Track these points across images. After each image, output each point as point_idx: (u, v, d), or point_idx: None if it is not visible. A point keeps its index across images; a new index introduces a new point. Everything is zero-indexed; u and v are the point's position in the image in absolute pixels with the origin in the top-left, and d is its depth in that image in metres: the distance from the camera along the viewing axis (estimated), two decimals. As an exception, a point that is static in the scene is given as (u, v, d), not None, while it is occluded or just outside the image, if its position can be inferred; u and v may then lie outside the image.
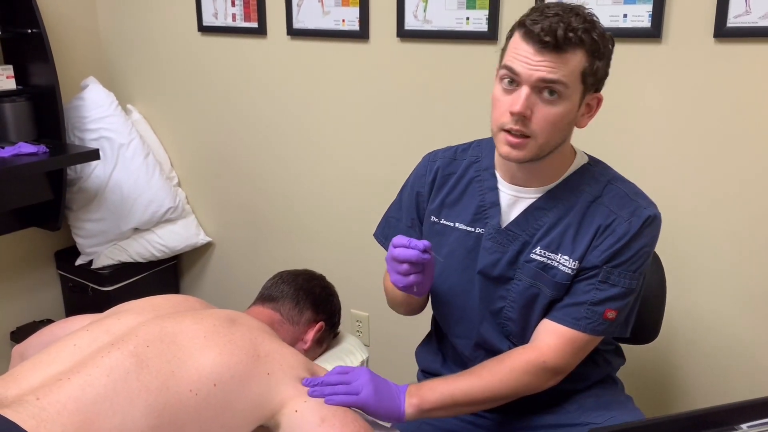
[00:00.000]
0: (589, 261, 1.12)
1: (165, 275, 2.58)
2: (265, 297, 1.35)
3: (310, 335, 1.34)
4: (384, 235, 1.38)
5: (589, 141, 1.28)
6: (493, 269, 1.19)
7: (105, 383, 0.92)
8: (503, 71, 1.07)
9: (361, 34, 1.93)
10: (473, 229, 1.21)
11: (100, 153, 2.23)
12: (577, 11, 1.04)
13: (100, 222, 2.40)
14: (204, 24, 2.26)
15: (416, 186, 1.30)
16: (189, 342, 1.02)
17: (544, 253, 1.15)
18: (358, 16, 1.92)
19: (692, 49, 1.49)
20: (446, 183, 1.26)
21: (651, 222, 1.11)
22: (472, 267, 1.21)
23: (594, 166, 1.19)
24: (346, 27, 1.96)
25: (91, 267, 2.44)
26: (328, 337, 1.43)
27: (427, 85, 1.88)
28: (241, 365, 1.01)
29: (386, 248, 1.29)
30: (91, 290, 2.45)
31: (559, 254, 1.14)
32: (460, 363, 1.30)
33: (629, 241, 1.10)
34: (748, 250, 1.52)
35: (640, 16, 1.52)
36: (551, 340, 1.13)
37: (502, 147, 1.09)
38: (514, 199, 1.18)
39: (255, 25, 2.15)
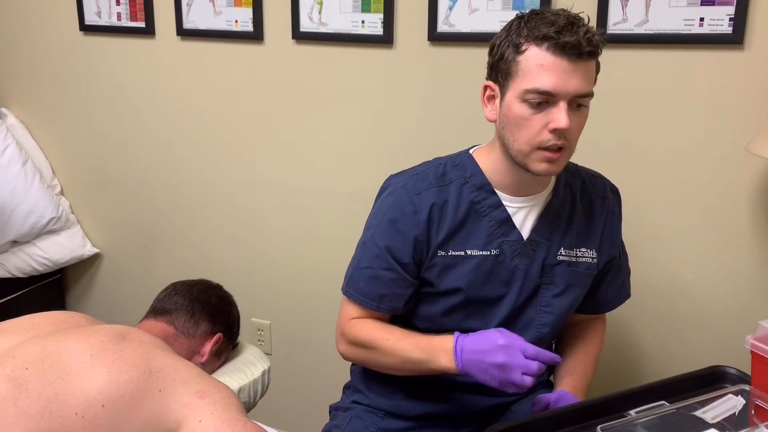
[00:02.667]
0: (611, 252, 1.25)
1: (48, 291, 2.43)
2: (158, 310, 1.29)
3: (208, 348, 1.29)
4: (368, 295, 1.21)
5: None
6: (525, 283, 1.19)
7: (-23, 412, 0.84)
8: (532, 94, 1.03)
9: (255, 35, 1.89)
10: (489, 252, 1.17)
11: (-29, 160, 2.07)
12: (576, 15, 1.05)
13: (-27, 235, 2.22)
14: (86, 23, 2.15)
15: (409, 227, 1.17)
16: (74, 361, 0.95)
17: (567, 253, 1.20)
18: (251, 16, 1.88)
19: None
20: (445, 214, 1.17)
21: (618, 190, 1.29)
22: (496, 289, 1.19)
23: None
24: (239, 28, 1.91)
25: (-36, 284, 2.26)
26: (227, 349, 1.39)
27: (324, 88, 1.86)
28: (132, 383, 0.95)
29: (371, 307, 1.21)
30: (-37, 310, 2.27)
31: (577, 249, 1.20)
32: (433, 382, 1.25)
33: (621, 214, 1.28)
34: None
35: (720, 20, 1.44)
36: (602, 322, 1.36)
37: (539, 165, 1.08)
38: (524, 211, 1.18)
39: (142, 24, 2.06)
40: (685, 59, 1.47)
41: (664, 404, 0.98)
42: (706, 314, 1.58)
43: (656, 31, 1.47)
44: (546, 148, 1.06)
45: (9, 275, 2.28)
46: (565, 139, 1.06)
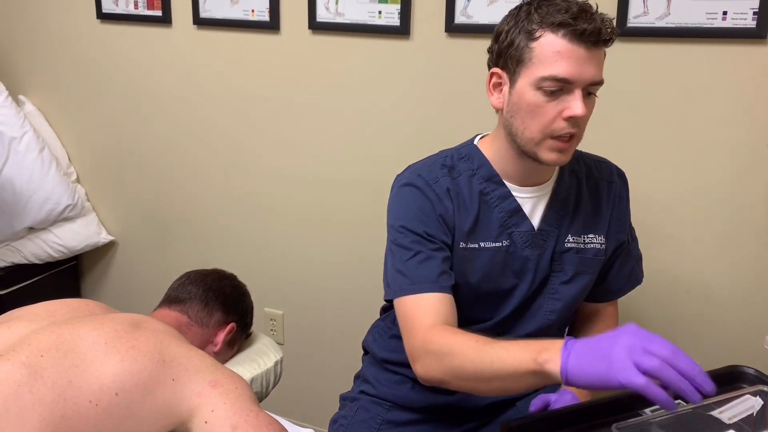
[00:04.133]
0: (619, 237, 1.24)
1: (63, 277, 2.44)
2: (172, 299, 1.29)
3: (221, 337, 1.29)
4: (430, 278, 1.08)
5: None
6: (537, 273, 1.18)
7: (-8, 398, 0.85)
8: (549, 82, 1.01)
9: (272, 25, 1.88)
10: (500, 244, 1.16)
11: (-11, 147, 2.08)
12: (584, 1, 1.03)
13: (-10, 221, 2.24)
14: (104, 11, 2.15)
15: (433, 212, 1.12)
16: (88, 349, 0.95)
17: (575, 239, 1.19)
18: (268, 6, 1.87)
19: None
20: (462, 203, 1.15)
21: (624, 174, 1.27)
22: (508, 280, 1.18)
23: None
24: (255, 17, 1.90)
25: (-20, 270, 2.28)
26: (240, 339, 1.39)
27: (340, 79, 1.85)
28: (145, 372, 0.95)
29: (438, 288, 1.07)
30: (-20, 295, 2.29)
31: (585, 235, 1.19)
32: None
33: (628, 199, 1.26)
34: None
35: (743, 14, 1.41)
36: (614, 310, 1.34)
37: (550, 154, 1.06)
38: (533, 201, 1.17)
39: (159, 13, 2.05)
40: (708, 53, 1.45)
41: (679, 403, 0.97)
42: (724, 313, 1.56)
43: (678, 25, 1.45)
44: (558, 137, 1.05)
45: (25, 261, 2.30)
46: (577, 127, 1.05)
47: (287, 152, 1.99)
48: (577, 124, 1.05)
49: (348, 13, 1.78)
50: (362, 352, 1.43)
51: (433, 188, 1.14)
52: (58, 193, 2.26)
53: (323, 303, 2.06)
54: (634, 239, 1.30)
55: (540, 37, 1.02)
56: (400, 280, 1.10)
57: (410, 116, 1.79)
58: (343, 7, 1.78)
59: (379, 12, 1.74)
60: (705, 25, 1.42)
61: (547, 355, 0.87)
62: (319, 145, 1.94)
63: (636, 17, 1.47)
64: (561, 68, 1.00)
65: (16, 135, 2.21)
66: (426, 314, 1.06)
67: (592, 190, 1.22)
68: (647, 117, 1.54)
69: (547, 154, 1.07)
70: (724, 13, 1.41)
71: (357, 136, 1.88)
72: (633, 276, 1.30)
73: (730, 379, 1.07)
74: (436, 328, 1.03)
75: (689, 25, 1.44)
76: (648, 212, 1.55)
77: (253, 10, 1.90)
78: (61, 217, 2.29)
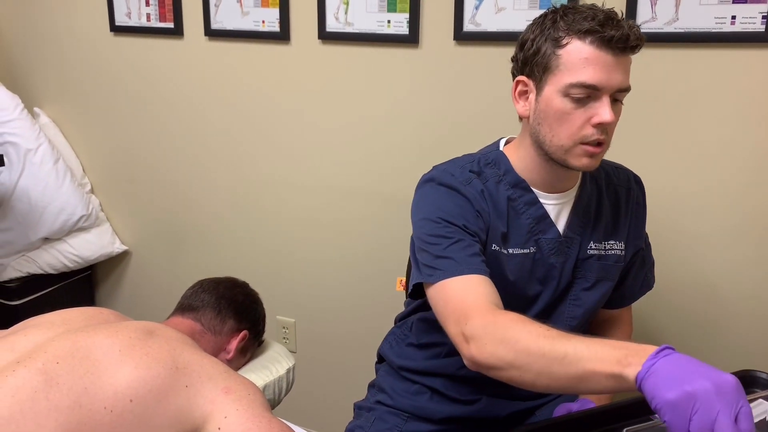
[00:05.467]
0: (637, 244, 1.25)
1: (78, 287, 2.47)
2: (185, 306, 1.30)
3: (233, 345, 1.30)
4: (468, 263, 1.03)
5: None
6: (562, 280, 1.18)
7: (10, 405, 0.86)
8: (577, 88, 1.01)
9: (282, 35, 1.90)
10: (528, 250, 1.15)
11: (5, 159, 2.11)
12: (609, 9, 1.03)
13: (7, 232, 2.27)
14: (117, 24, 2.18)
15: (472, 208, 1.10)
16: (103, 356, 0.97)
17: (597, 246, 1.19)
18: (278, 17, 1.90)
19: None
20: (495, 208, 1.13)
21: (641, 180, 1.28)
22: (533, 287, 1.18)
23: None
24: (266, 28, 1.93)
25: (-3, 280, 2.31)
26: (253, 346, 1.40)
27: (349, 88, 1.87)
28: (159, 379, 0.96)
29: (476, 270, 1.02)
30: (-4, 305, 2.32)
31: (605, 242, 1.20)
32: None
33: (645, 206, 1.27)
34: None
35: (752, 18, 1.40)
36: (629, 316, 1.35)
37: (581, 160, 1.06)
38: (558, 207, 1.17)
39: (171, 25, 2.08)
40: (716, 58, 1.45)
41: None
42: (737, 317, 1.55)
43: (686, 30, 1.45)
44: (588, 143, 1.04)
45: (41, 271, 2.32)
46: (606, 134, 1.05)
47: (299, 161, 2.01)
48: (606, 130, 1.04)
49: (357, 22, 1.79)
50: (375, 359, 1.43)
51: (467, 188, 1.12)
52: (73, 204, 2.28)
53: (335, 311, 2.07)
54: (648, 245, 1.30)
55: (567, 44, 1.02)
56: (445, 263, 1.04)
57: (420, 124, 1.80)
58: (352, 17, 1.80)
59: (388, 21, 1.75)
60: (714, 30, 1.42)
61: (634, 359, 0.78)
62: (330, 153, 1.95)
63: (644, 23, 1.48)
64: (589, 75, 1.00)
65: (32, 147, 2.25)
66: (481, 294, 1.00)
67: (611, 196, 1.22)
68: (657, 122, 1.54)
69: (577, 160, 1.06)
70: (733, 17, 1.41)
71: (368, 144, 1.89)
72: (646, 282, 1.31)
73: (742, 384, 1.06)
74: (500, 310, 0.97)
75: (698, 30, 1.44)
76: (658, 216, 1.55)
77: (263, 21, 1.92)
78: (76, 228, 2.32)
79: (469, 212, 1.09)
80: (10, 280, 2.29)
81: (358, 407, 1.37)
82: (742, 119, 1.46)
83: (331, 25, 1.83)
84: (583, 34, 1.00)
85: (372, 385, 1.39)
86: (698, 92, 1.49)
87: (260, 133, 2.05)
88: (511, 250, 1.14)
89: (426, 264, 1.06)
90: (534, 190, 1.15)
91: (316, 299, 2.10)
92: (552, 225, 1.16)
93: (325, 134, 1.94)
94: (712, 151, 1.50)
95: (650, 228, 1.31)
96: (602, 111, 1.02)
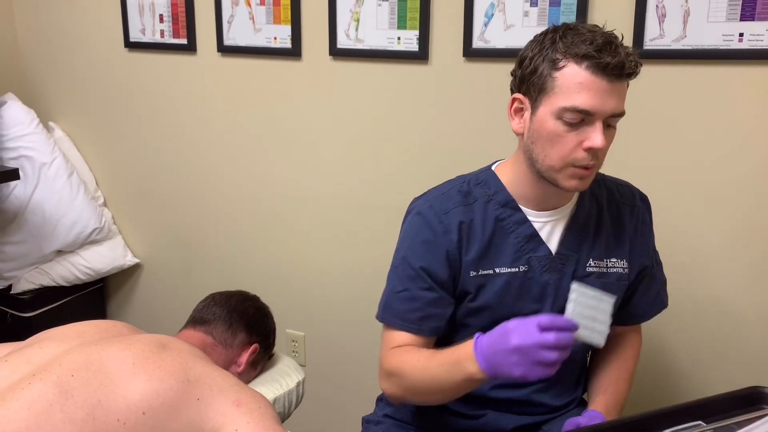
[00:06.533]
0: (642, 262, 1.23)
1: (90, 299, 2.49)
2: (197, 320, 1.32)
3: (244, 358, 1.31)
4: (407, 318, 1.17)
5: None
6: (558, 297, 1.17)
7: (26, 417, 0.87)
8: (570, 112, 1.02)
9: (294, 52, 1.93)
10: (517, 269, 1.16)
11: (20, 172, 2.14)
12: (612, 32, 1.04)
13: (21, 245, 2.29)
14: (131, 40, 2.21)
15: (438, 246, 1.15)
16: (117, 369, 0.98)
17: (597, 264, 1.19)
18: (290, 33, 1.92)
19: None
20: (473, 232, 1.16)
21: (647, 198, 1.27)
22: (527, 305, 1.18)
23: None
24: (278, 44, 1.95)
25: (10, 292, 2.33)
26: (263, 359, 1.41)
27: (360, 104, 1.89)
28: (171, 391, 0.97)
29: (412, 330, 1.16)
30: (9, 317, 2.33)
31: (607, 260, 1.19)
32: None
33: (652, 223, 1.26)
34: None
35: (760, 36, 1.40)
36: (638, 334, 1.34)
37: (570, 182, 1.07)
38: (551, 225, 1.17)
39: (184, 41, 2.11)
40: (724, 75, 1.46)
41: (701, 424, 0.97)
42: (746, 333, 1.55)
43: (694, 47, 1.46)
44: (578, 166, 1.06)
45: (53, 284, 2.34)
46: (596, 158, 1.06)
47: (309, 175, 2.02)
48: (596, 155, 1.06)
49: (368, 39, 1.81)
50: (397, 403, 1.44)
51: (441, 220, 1.16)
52: (86, 217, 2.31)
53: (345, 325, 2.08)
54: (659, 263, 1.29)
55: (564, 67, 1.02)
56: (389, 309, 1.19)
57: (429, 140, 1.81)
58: (363, 34, 1.82)
59: (398, 38, 1.77)
60: (721, 47, 1.43)
61: (469, 365, 1.02)
62: (340, 167, 1.97)
63: (652, 40, 1.49)
64: (583, 100, 1.01)
65: (46, 160, 2.28)
66: (393, 344, 1.18)
67: (613, 213, 1.22)
68: (665, 139, 1.55)
69: (567, 182, 1.08)
70: (741, 35, 1.42)
71: (377, 159, 1.91)
72: (658, 300, 1.30)
73: (752, 400, 1.06)
74: (392, 350, 1.17)
75: (705, 47, 1.45)
76: (668, 233, 1.55)
77: (275, 38, 1.95)
78: (89, 240, 2.34)
79: (433, 253, 1.16)
80: (24, 292, 2.32)
81: (366, 421, 1.38)
82: (751, 136, 1.46)
83: (342, 42, 1.85)
84: (579, 58, 1.01)
85: (380, 399, 1.40)
86: (706, 109, 1.49)
87: (272, 148, 2.07)
88: (497, 270, 1.16)
89: (384, 298, 1.21)
90: (524, 208, 1.17)
91: (325, 313, 2.11)
92: (542, 243, 1.17)
93: (336, 149, 1.96)
94: (721, 169, 1.51)
95: (659, 245, 1.31)
96: (594, 136, 1.03)
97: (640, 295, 1.27)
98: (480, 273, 1.16)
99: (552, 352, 0.94)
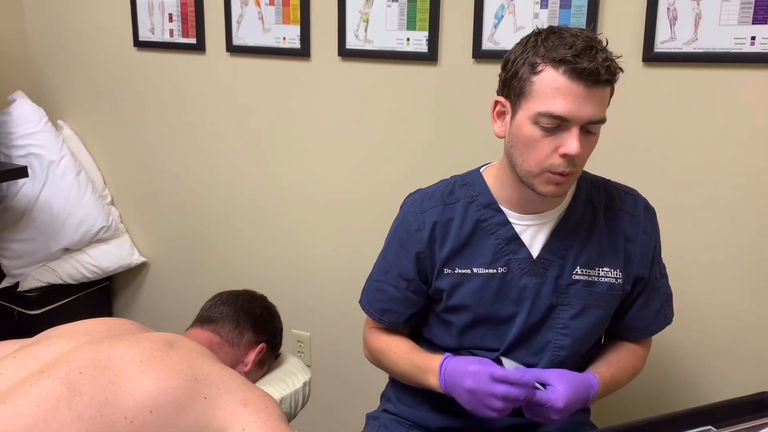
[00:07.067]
0: (640, 272, 1.19)
1: (96, 297, 2.49)
2: (204, 319, 1.32)
3: (251, 357, 1.31)
4: (373, 306, 1.29)
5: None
6: (537, 302, 1.16)
7: (34, 413, 0.87)
8: (546, 119, 1.01)
9: (302, 52, 1.93)
10: (495, 270, 1.16)
11: (29, 170, 2.15)
12: (595, 37, 1.02)
13: (28, 242, 2.30)
14: (140, 39, 2.22)
15: (411, 244, 1.20)
16: (124, 367, 0.98)
17: (585, 272, 1.16)
18: (299, 34, 1.92)
19: None
20: (448, 232, 1.18)
21: (654, 210, 1.23)
22: (506, 307, 1.17)
23: (584, 173, 1.21)
24: (287, 45, 1.95)
25: (17, 289, 2.33)
26: (270, 359, 1.41)
27: (369, 104, 1.89)
28: (179, 390, 0.97)
29: (375, 318, 1.30)
30: (16, 314, 2.34)
31: (598, 268, 1.16)
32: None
33: (656, 234, 1.21)
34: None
35: None
36: (648, 344, 1.29)
37: (546, 187, 1.06)
38: (534, 229, 1.16)
39: (193, 41, 2.12)
40: (736, 78, 1.45)
41: (710, 429, 0.96)
42: (755, 338, 1.54)
43: (705, 50, 1.45)
44: (554, 172, 1.04)
45: (60, 281, 2.35)
46: (573, 166, 1.04)
47: (317, 175, 2.03)
48: (573, 162, 1.04)
49: (377, 40, 1.81)
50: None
51: (417, 218, 1.20)
52: (93, 215, 2.31)
53: (350, 325, 2.07)
54: (663, 276, 1.25)
55: (542, 71, 1.01)
56: (364, 294, 1.33)
57: (438, 141, 1.81)
58: (372, 35, 1.82)
59: (407, 39, 1.77)
60: (733, 50, 1.43)
61: (432, 379, 1.15)
62: (348, 168, 1.97)
63: (663, 43, 1.48)
64: (558, 106, 1.00)
65: (55, 159, 2.28)
66: (369, 324, 1.34)
67: (609, 220, 1.18)
68: (675, 143, 1.54)
69: (543, 187, 1.07)
70: (753, 38, 1.41)
71: (385, 160, 1.90)
72: (660, 316, 1.24)
73: (759, 407, 1.05)
74: (372, 329, 1.32)
75: (717, 51, 1.44)
76: (675, 237, 1.55)
77: (284, 38, 1.95)
78: (96, 239, 2.34)
79: (405, 251, 1.22)
80: (30, 290, 2.32)
81: (368, 417, 1.40)
82: (763, 140, 1.46)
83: (351, 43, 1.85)
84: (557, 63, 1.00)
85: (382, 395, 1.41)
86: (718, 112, 1.49)
87: (279, 148, 2.07)
88: (475, 269, 1.17)
89: (367, 283, 1.32)
90: (507, 210, 1.16)
91: (331, 314, 2.10)
92: (522, 246, 1.16)
93: (344, 149, 1.96)
94: (732, 171, 1.50)
95: (666, 253, 1.28)
96: (570, 142, 1.01)
97: (639, 308, 1.23)
98: (456, 272, 1.18)
99: (498, 401, 1.03)
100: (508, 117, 1.09)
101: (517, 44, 1.08)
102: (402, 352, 1.24)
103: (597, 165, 1.58)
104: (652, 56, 1.50)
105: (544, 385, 1.09)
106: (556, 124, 1.01)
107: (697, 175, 1.54)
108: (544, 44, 1.02)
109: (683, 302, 1.56)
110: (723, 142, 1.49)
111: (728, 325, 1.57)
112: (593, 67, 0.98)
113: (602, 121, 1.04)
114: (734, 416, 1.02)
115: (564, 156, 1.02)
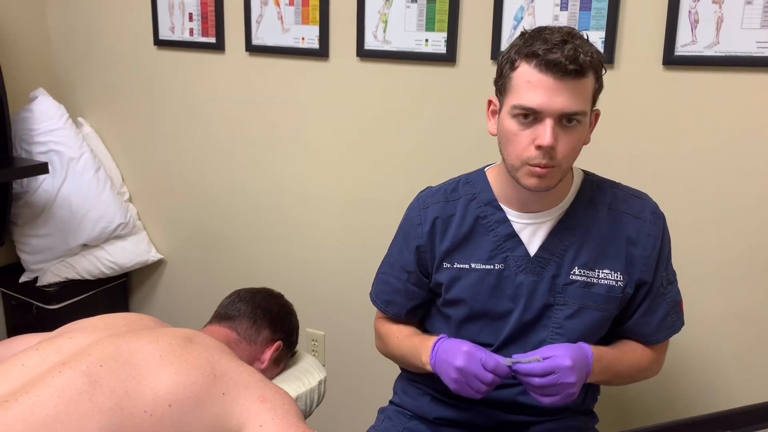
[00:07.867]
0: (643, 276, 1.17)
1: (114, 293, 2.51)
2: (222, 315, 1.33)
3: (268, 354, 1.32)
4: (380, 297, 1.35)
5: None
6: (532, 299, 1.17)
7: (56, 404, 0.89)
8: (518, 110, 1.04)
9: (321, 52, 1.94)
10: (492, 266, 1.18)
11: (49, 166, 2.17)
12: (575, 33, 1.05)
13: (47, 238, 2.33)
14: (160, 38, 2.24)
15: (412, 238, 1.25)
16: (144, 361, 0.99)
17: (584, 272, 1.16)
18: (318, 34, 1.93)
19: None
20: (449, 227, 1.21)
21: (663, 215, 1.21)
22: (502, 303, 1.19)
23: (590, 175, 1.22)
24: (305, 45, 1.96)
25: (36, 284, 2.36)
26: (286, 357, 1.42)
27: (387, 105, 1.89)
28: (197, 385, 0.98)
29: (382, 311, 1.34)
30: (35, 308, 2.37)
31: (598, 269, 1.16)
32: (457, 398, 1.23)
33: (663, 239, 1.19)
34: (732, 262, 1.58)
35: None
36: (660, 350, 1.25)
37: (528, 179, 1.08)
38: (533, 227, 1.17)
39: (213, 40, 2.13)
40: (757, 82, 1.44)
41: (723, 435, 0.95)
42: (774, 345, 1.53)
43: (727, 54, 1.44)
44: (533, 164, 1.06)
45: (78, 277, 2.37)
46: (550, 158, 1.05)
47: (334, 175, 2.03)
48: (550, 154, 1.04)
49: (395, 41, 1.82)
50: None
51: (420, 214, 1.25)
52: (112, 212, 2.33)
53: (364, 325, 2.08)
54: (671, 282, 1.21)
55: (518, 67, 1.05)
56: (374, 285, 1.37)
57: (457, 141, 1.81)
58: (390, 35, 1.82)
59: (426, 40, 1.78)
60: (755, 54, 1.42)
61: (424, 356, 1.16)
62: (364, 168, 1.97)
63: (684, 46, 1.48)
64: (529, 98, 1.03)
65: (75, 155, 2.30)
66: (378, 315, 1.38)
67: (613, 222, 1.17)
68: (697, 146, 1.53)
69: (526, 180, 1.09)
70: (775, 42, 1.40)
71: (402, 160, 1.91)
72: (667, 323, 1.21)
73: (773, 415, 1.04)
74: (382, 319, 1.36)
75: (739, 54, 1.43)
76: (702, 243, 1.54)
77: (303, 38, 1.96)
78: (114, 235, 2.36)
79: (408, 245, 1.26)
80: (49, 285, 2.35)
81: (378, 411, 1.43)
82: (783, 144, 1.45)
83: (370, 43, 1.86)
84: (530, 57, 1.03)
85: (394, 389, 1.44)
86: (739, 116, 1.48)
87: (296, 147, 2.08)
88: (473, 265, 1.20)
89: (376, 276, 1.37)
90: (507, 208, 1.19)
91: (345, 313, 2.11)
92: (520, 243, 1.17)
93: (361, 149, 1.97)
94: (753, 176, 1.49)
95: (681, 256, 1.27)
96: (542, 134, 1.03)
97: (643, 314, 1.20)
98: (455, 266, 1.21)
99: (484, 385, 1.07)
100: (498, 115, 1.13)
101: (510, 43, 1.12)
102: (403, 335, 1.28)
103: (615, 168, 1.57)
104: (672, 59, 1.49)
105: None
106: (531, 117, 1.04)
107: (717, 179, 1.52)
108: (526, 42, 1.05)
109: (702, 308, 1.55)
110: (744, 147, 1.48)
111: (747, 331, 1.55)
112: (558, 59, 1.00)
113: (579, 113, 1.04)
114: (752, 423, 1.01)
115: (539, 148, 1.04)
